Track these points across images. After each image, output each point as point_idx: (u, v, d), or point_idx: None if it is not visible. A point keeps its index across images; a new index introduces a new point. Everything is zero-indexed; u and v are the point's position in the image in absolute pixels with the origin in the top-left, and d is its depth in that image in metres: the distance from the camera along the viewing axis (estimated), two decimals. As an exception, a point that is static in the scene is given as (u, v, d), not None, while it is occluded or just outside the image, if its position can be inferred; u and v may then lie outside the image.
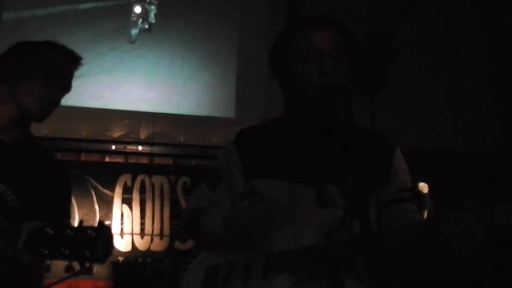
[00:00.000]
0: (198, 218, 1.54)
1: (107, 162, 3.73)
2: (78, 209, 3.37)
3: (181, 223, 1.67)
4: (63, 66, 1.66)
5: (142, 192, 3.60)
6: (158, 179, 3.66)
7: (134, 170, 3.67)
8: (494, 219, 1.19)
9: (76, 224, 1.14)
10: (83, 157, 3.67)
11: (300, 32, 1.50)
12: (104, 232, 1.09)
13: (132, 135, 3.78)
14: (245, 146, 1.55)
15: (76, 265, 1.09)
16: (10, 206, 1.48)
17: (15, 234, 1.12)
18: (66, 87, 1.68)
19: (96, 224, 1.11)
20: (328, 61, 1.42)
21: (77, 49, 1.72)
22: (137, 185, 3.61)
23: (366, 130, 1.34)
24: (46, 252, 1.09)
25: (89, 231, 1.08)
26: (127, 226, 3.50)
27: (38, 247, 1.09)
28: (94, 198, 3.49)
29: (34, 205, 1.50)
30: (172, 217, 3.57)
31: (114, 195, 3.54)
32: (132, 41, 4.01)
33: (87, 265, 1.08)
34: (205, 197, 1.59)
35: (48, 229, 1.09)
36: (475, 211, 1.20)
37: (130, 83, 3.88)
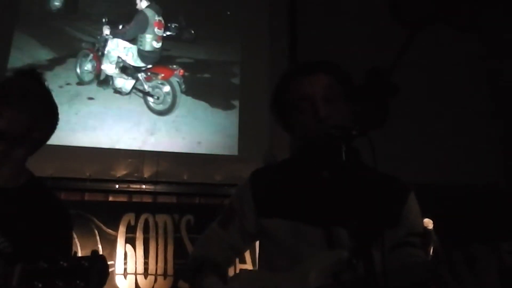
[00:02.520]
0: (202, 273, 1.52)
1: (111, 201, 3.72)
2: (81, 249, 3.34)
3: (186, 268, 1.64)
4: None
5: (145, 231, 3.58)
6: (161, 218, 3.64)
7: (138, 209, 3.66)
8: (503, 259, 1.17)
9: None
10: (87, 197, 3.67)
11: (292, 82, 1.52)
12: (97, 262, 1.09)
13: (136, 174, 3.78)
14: (259, 186, 1.55)
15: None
16: (1, 253, 1.46)
17: (8, 273, 1.12)
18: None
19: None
20: (321, 106, 1.42)
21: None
22: (140, 224, 3.59)
23: (379, 172, 1.34)
24: (40, 285, 1.08)
25: (83, 262, 1.08)
26: (130, 266, 3.47)
27: (32, 281, 1.08)
28: (98, 238, 3.47)
29: (29, 250, 1.48)
30: (176, 256, 3.54)
31: (117, 234, 3.52)
32: (137, 81, 4.08)
33: None
34: (216, 238, 1.57)
35: (41, 263, 1.09)
36: (483, 253, 1.19)
37: (134, 123, 3.93)
